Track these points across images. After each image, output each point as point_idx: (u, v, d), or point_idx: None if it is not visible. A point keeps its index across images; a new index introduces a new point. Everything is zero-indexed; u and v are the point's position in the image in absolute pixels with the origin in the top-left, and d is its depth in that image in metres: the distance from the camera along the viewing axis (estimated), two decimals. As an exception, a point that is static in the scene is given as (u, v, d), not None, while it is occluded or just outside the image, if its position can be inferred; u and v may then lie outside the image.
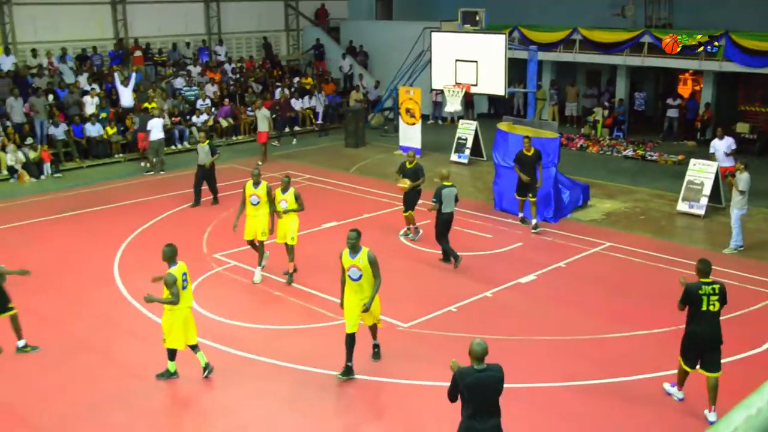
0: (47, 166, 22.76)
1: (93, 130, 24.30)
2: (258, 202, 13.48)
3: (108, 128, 24.55)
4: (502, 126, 18.65)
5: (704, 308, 8.93)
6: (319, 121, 29.32)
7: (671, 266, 14.38)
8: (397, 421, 9.23)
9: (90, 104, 24.94)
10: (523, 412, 9.42)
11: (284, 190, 13.57)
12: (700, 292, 8.94)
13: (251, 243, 13.93)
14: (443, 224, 14.39)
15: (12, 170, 22.11)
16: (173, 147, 25.34)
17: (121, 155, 24.81)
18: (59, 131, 23.63)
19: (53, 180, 22.38)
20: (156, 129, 22.59)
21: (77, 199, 19.62)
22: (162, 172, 22.58)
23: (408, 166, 15.77)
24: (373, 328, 10.65)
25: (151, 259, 13.99)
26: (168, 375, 10.22)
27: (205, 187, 18.95)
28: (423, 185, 15.94)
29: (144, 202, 19.21)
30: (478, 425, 6.97)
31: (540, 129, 18.26)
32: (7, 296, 10.81)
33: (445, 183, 14.54)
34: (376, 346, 10.76)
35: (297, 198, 13.52)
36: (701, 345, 9.08)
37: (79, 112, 24.50)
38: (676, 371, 9.57)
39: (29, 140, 22.90)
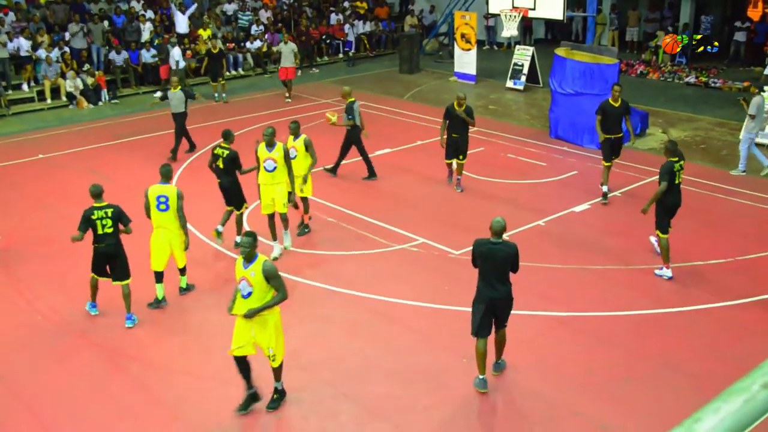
0: (104, 93, 23.08)
1: (148, 56, 24.46)
2: (275, 168, 11.32)
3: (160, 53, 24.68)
4: (560, 51, 18.18)
5: (677, 182, 10.77)
6: (350, 50, 28.90)
7: (730, 196, 14.06)
8: (446, 344, 9.33)
9: (145, 30, 25.05)
10: (569, 339, 9.43)
11: (295, 137, 12.31)
12: (674, 168, 10.70)
13: (270, 219, 11.75)
14: (359, 139, 15.11)
15: (71, 96, 22.47)
16: (228, 73, 25.37)
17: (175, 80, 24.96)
18: (119, 58, 23.86)
19: (110, 106, 22.72)
20: (177, 58, 22.84)
21: (133, 125, 19.90)
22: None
23: (457, 108, 14.04)
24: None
25: (205, 183, 14.19)
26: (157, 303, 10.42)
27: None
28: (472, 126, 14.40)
29: (198, 129, 19.36)
30: (487, 291, 8.10)
31: (599, 55, 17.76)
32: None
33: (350, 99, 15.14)
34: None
35: (308, 146, 12.19)
36: (674, 212, 10.98)
37: (136, 39, 24.64)
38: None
39: (87, 67, 23.20)
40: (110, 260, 9.91)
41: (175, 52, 23.07)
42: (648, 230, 11.74)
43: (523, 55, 23.50)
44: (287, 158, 11.32)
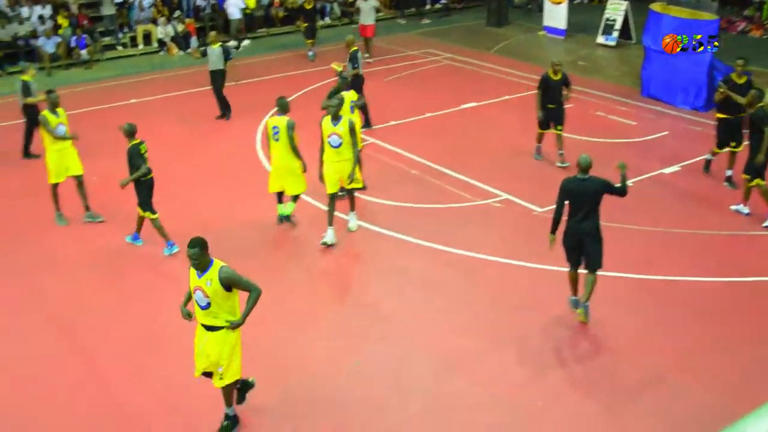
0: (193, 40, 23.40)
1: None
2: (340, 144, 10.39)
3: (249, 2, 24.81)
4: (656, 7, 17.48)
5: None
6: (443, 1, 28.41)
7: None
8: (523, 302, 9.25)
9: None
10: (648, 303, 9.22)
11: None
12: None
13: (332, 198, 10.75)
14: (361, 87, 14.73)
15: (162, 43, 22.88)
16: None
17: (264, 29, 25.14)
18: (206, 4, 24.13)
19: (199, 53, 23.02)
20: (233, 8, 22.97)
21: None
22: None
23: (553, 77, 13.09)
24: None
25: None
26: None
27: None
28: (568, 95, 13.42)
29: (286, 77, 19.52)
30: (576, 225, 8.45)
31: (697, 10, 17.02)
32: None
33: (353, 48, 15.25)
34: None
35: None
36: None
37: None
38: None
39: (177, 13, 23.53)
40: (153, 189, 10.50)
41: (236, 1, 23.15)
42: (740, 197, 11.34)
43: (616, 10, 22.69)
44: (353, 132, 10.45)
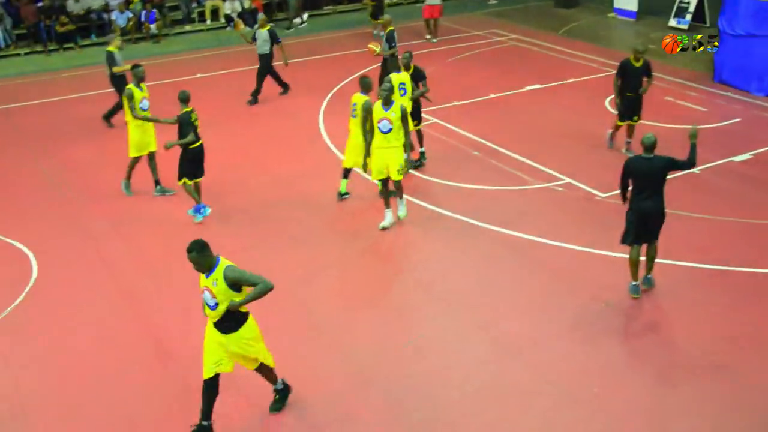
0: (260, 16, 23.52)
1: (303, -20, 24.73)
2: (390, 130, 10.14)
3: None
4: (735, -11, 16.89)
5: None
6: None
7: None
8: (584, 287, 9.13)
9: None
10: (718, 293, 9.01)
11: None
12: None
13: (384, 185, 10.68)
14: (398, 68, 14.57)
15: (229, 19, 23.11)
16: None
17: (329, 7, 25.18)
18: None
19: (244, 31, 23.20)
20: None
21: (287, 50, 20.22)
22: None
23: (635, 64, 12.39)
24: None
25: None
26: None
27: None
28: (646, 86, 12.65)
29: (349, 55, 19.53)
30: (641, 203, 8.54)
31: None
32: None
33: (390, 28, 15.27)
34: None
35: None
36: None
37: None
38: None
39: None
40: (202, 158, 10.84)
41: None
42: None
43: (691, -8, 22.05)
44: (404, 119, 10.15)
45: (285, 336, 8.30)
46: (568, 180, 11.99)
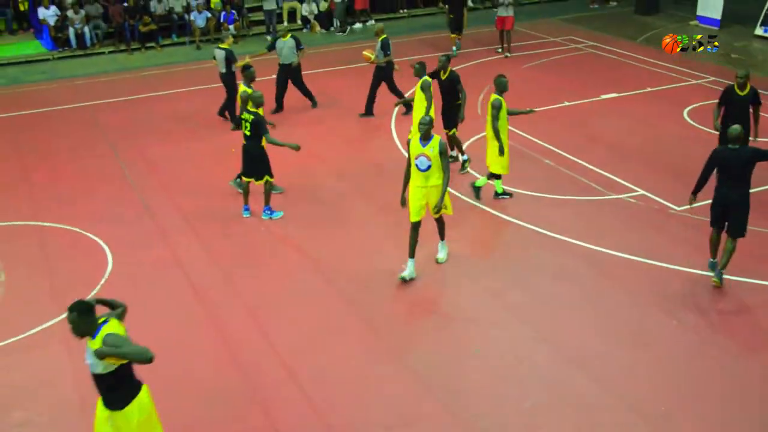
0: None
1: (379, -16, 24.86)
2: (429, 167, 9.14)
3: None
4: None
5: None
6: None
7: None
8: (656, 302, 8.91)
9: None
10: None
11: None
12: None
13: (414, 227, 9.49)
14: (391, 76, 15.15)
15: (305, 20, 23.37)
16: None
17: (404, 11, 25.23)
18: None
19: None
20: None
21: (360, 52, 20.33)
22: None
23: (739, 93, 11.26)
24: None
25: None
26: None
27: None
28: None
29: (423, 60, 19.45)
30: (724, 193, 8.86)
31: None
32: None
33: (383, 36, 15.27)
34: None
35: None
36: None
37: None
38: None
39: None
40: (246, 159, 11.02)
41: None
42: None
43: (779, 0, 21.36)
44: (444, 155, 9.14)
45: (349, 340, 8.34)
46: (642, 192, 11.74)
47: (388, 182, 11.69)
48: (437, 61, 12.55)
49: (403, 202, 9.53)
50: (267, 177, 11.05)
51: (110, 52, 21.47)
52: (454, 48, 20.04)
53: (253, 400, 7.47)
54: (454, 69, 12.60)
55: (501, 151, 11.10)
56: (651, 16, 24.21)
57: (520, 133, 14.22)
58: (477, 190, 11.60)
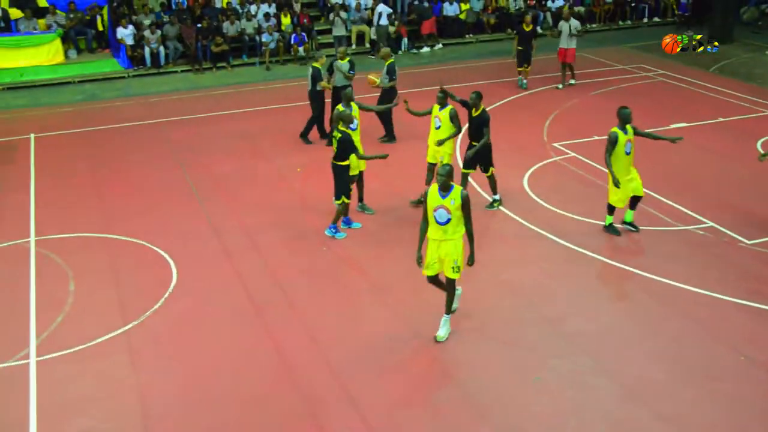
0: (404, 42, 23.94)
1: (450, 9, 24.94)
2: (448, 221, 8.35)
3: (462, 4, 25.07)
4: None
5: None
6: (684, 12, 27.03)
7: None
8: (722, 337, 8.66)
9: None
10: None
11: (441, 107, 11.69)
12: None
13: (434, 282, 8.87)
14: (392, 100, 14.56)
15: (373, 44, 23.59)
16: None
17: (471, 36, 25.28)
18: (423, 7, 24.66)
19: (409, 56, 23.55)
20: (383, 16, 23.12)
21: (427, 77, 20.45)
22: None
23: None
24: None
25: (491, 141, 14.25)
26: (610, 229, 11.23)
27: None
28: None
29: (489, 85, 19.48)
30: None
31: None
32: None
33: (390, 60, 15.34)
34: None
35: (453, 118, 11.44)
36: None
37: (439, -9, 25.26)
38: None
39: (391, 15, 24.18)
40: (334, 177, 11.10)
41: (380, 7, 23.29)
42: None
43: None
44: (466, 207, 8.31)
45: (406, 362, 8.33)
46: (711, 224, 11.47)
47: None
48: (468, 96, 11.82)
49: (420, 261, 8.60)
50: (343, 198, 11.11)
51: (182, 71, 22.02)
52: (524, 81, 19.33)
53: (306, 417, 7.50)
54: (486, 108, 11.87)
55: (616, 183, 10.73)
56: (725, 45, 23.74)
57: (585, 159, 14.08)
58: (630, 225, 11.30)
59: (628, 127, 10.95)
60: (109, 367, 8.43)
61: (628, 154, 10.89)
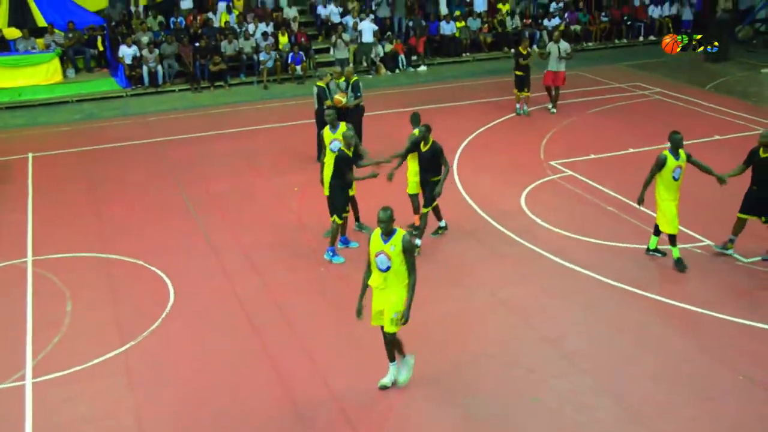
0: (401, 59, 24.03)
1: (447, 28, 25.08)
2: (389, 268, 7.76)
3: (457, 23, 25.21)
4: None
5: None
6: (685, 28, 27.18)
7: None
8: (722, 356, 8.64)
9: (443, 3, 25.69)
10: None
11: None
12: None
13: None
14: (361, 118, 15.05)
15: (372, 63, 23.69)
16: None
17: (468, 54, 25.40)
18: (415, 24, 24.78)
19: (405, 74, 23.65)
20: (366, 32, 23.26)
21: (424, 95, 20.53)
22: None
23: (762, 155, 10.77)
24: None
25: (487, 160, 14.32)
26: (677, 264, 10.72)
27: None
28: None
29: (486, 103, 19.56)
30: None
31: None
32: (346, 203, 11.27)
33: (354, 77, 15.49)
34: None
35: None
36: None
37: (434, 10, 25.38)
38: None
39: (388, 34, 24.30)
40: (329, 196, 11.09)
41: (363, 24, 23.50)
42: None
43: None
44: (408, 252, 7.71)
45: (407, 387, 8.30)
46: (707, 242, 11.48)
47: (465, 237, 11.70)
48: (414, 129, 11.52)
49: (359, 312, 7.93)
50: (335, 217, 11.08)
51: (180, 90, 22.08)
52: (525, 108, 18.51)
53: (306, 440, 7.47)
54: (436, 140, 11.22)
55: (639, 201, 10.61)
56: (720, 64, 23.86)
57: (582, 178, 14.10)
58: (654, 251, 11.11)
59: (681, 152, 10.56)
60: (106, 387, 8.39)
61: (676, 180, 10.54)
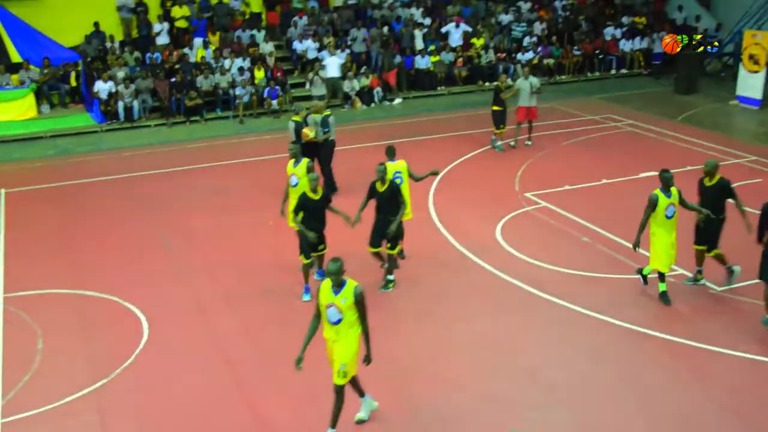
0: (377, 93, 24.19)
1: (422, 62, 25.32)
2: (340, 321, 7.62)
3: (432, 57, 25.45)
4: None
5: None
6: (657, 62, 27.64)
7: None
8: (701, 387, 8.68)
9: (419, 38, 25.93)
10: None
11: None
12: None
13: (338, 390, 7.85)
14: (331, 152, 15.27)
15: (347, 97, 23.83)
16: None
17: (443, 88, 25.62)
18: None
19: (381, 108, 23.79)
20: (330, 66, 23.30)
21: (400, 129, 20.64)
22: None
23: (706, 183, 11.06)
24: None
25: (463, 192, 14.37)
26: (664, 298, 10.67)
27: None
28: None
29: (461, 136, 19.70)
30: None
31: None
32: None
33: (326, 112, 15.52)
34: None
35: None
36: None
37: (410, 45, 25.60)
38: None
39: (364, 69, 24.47)
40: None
41: (326, 59, 23.61)
42: None
43: (820, 82, 21.28)
44: (360, 305, 7.53)
45: (383, 420, 8.24)
46: (681, 271, 11.56)
47: (440, 269, 11.70)
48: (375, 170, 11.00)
49: (299, 362, 7.61)
50: (301, 256, 11.02)
51: (156, 125, 22.04)
52: (499, 144, 18.48)
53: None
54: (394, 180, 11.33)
55: (635, 246, 10.59)
56: (690, 96, 24.23)
57: (557, 209, 14.20)
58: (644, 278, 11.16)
59: (672, 190, 10.57)
60: (78, 427, 8.27)
61: (669, 218, 10.56)
